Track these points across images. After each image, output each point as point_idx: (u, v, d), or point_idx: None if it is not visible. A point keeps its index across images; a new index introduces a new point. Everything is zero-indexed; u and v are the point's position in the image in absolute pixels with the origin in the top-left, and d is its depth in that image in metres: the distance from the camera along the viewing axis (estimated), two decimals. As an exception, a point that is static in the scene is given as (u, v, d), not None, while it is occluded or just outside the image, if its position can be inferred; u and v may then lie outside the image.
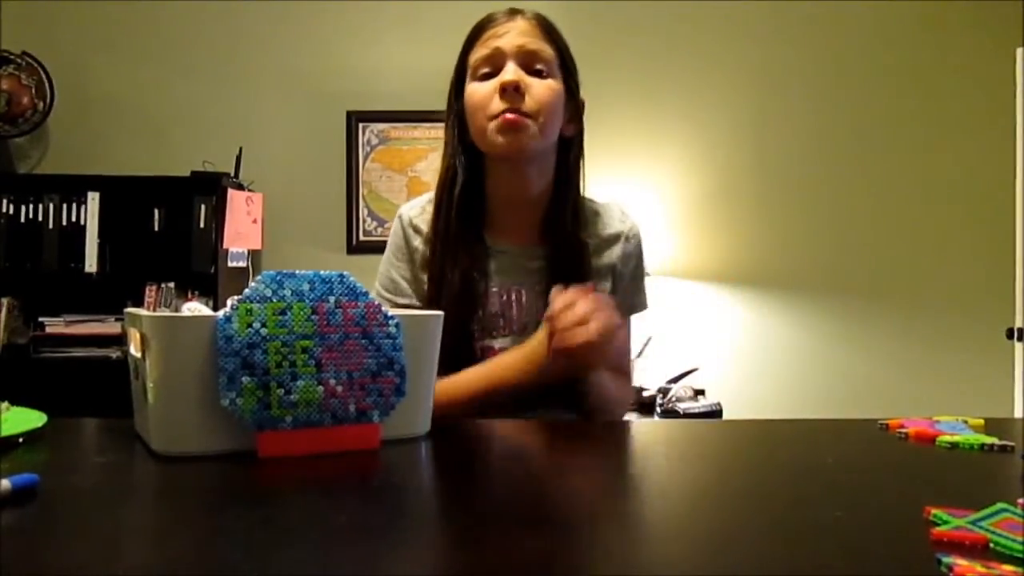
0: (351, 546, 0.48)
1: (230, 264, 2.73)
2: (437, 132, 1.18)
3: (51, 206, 2.66)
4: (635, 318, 1.23)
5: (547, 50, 1.07)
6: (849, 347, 2.97)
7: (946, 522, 0.50)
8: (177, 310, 0.96)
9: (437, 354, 0.83)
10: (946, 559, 0.44)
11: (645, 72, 3.01)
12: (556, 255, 1.11)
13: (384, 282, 1.14)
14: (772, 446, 0.84)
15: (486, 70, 1.06)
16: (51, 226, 2.66)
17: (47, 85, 2.82)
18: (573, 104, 1.12)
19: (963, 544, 0.47)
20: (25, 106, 2.81)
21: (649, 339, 2.55)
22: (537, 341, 1.00)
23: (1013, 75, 2.64)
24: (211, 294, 2.64)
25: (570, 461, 0.82)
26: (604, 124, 2.90)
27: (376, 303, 0.77)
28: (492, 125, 1.04)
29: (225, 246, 2.68)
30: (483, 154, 1.11)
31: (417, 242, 1.13)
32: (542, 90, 1.05)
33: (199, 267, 2.67)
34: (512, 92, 1.03)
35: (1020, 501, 0.54)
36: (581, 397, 1.10)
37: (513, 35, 1.06)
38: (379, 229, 2.97)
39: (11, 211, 2.65)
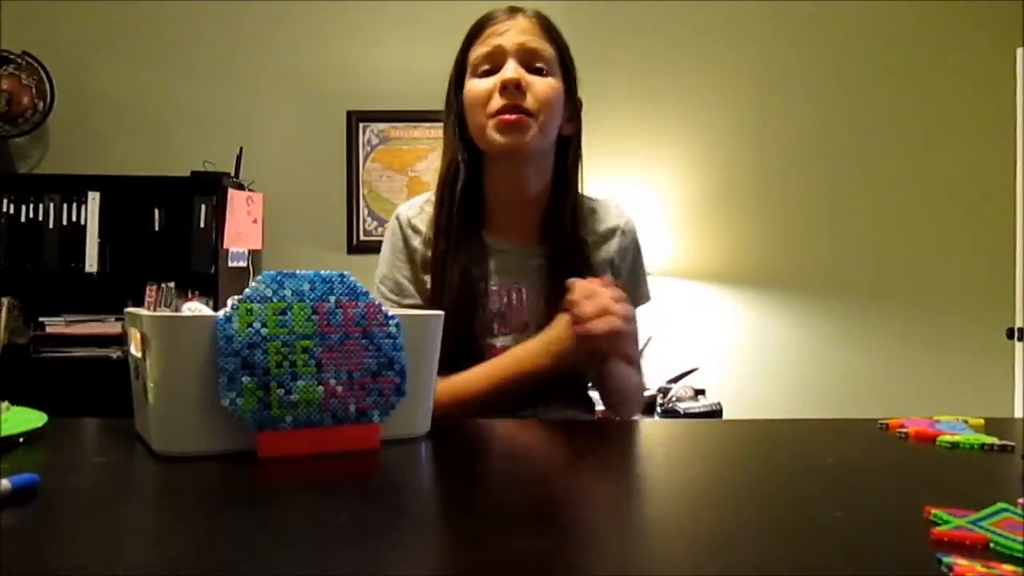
0: (351, 546, 0.48)
1: (230, 264, 2.73)
2: (437, 132, 1.17)
3: (51, 206, 2.66)
4: (638, 311, 1.23)
5: (547, 49, 1.07)
6: (849, 347, 2.97)
7: (946, 522, 0.50)
8: (177, 310, 0.96)
9: (437, 354, 0.83)
10: (946, 559, 0.44)
11: (645, 72, 3.01)
12: (555, 254, 1.12)
13: (389, 284, 1.14)
14: (772, 446, 0.84)
15: (486, 67, 1.07)
16: (51, 226, 2.66)
17: (47, 85, 2.82)
18: (571, 103, 1.12)
19: (963, 544, 0.47)
20: (25, 106, 2.81)
21: (649, 339, 2.55)
22: (558, 329, 1.00)
23: (1013, 75, 2.64)
24: (211, 294, 2.64)
25: (570, 461, 0.82)
26: (604, 124, 2.91)
27: (376, 303, 0.77)
28: (492, 123, 1.04)
29: (225, 246, 2.68)
30: (482, 153, 1.11)
31: (416, 242, 1.13)
32: (543, 88, 1.05)
33: (199, 267, 2.67)
34: (513, 89, 1.03)
35: (1020, 501, 0.54)
36: (602, 389, 1.13)
37: (514, 33, 1.06)
38: (379, 229, 2.97)
39: (11, 211, 2.65)
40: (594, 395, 1.20)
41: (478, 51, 1.07)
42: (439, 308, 0.87)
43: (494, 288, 1.11)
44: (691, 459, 0.78)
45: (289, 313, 0.73)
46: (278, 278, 0.74)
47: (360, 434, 0.74)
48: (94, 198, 2.66)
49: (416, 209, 1.16)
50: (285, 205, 2.95)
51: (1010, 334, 2.60)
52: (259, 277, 0.74)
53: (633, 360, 1.13)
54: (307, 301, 0.74)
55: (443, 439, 0.82)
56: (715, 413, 2.52)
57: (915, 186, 2.98)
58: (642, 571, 0.46)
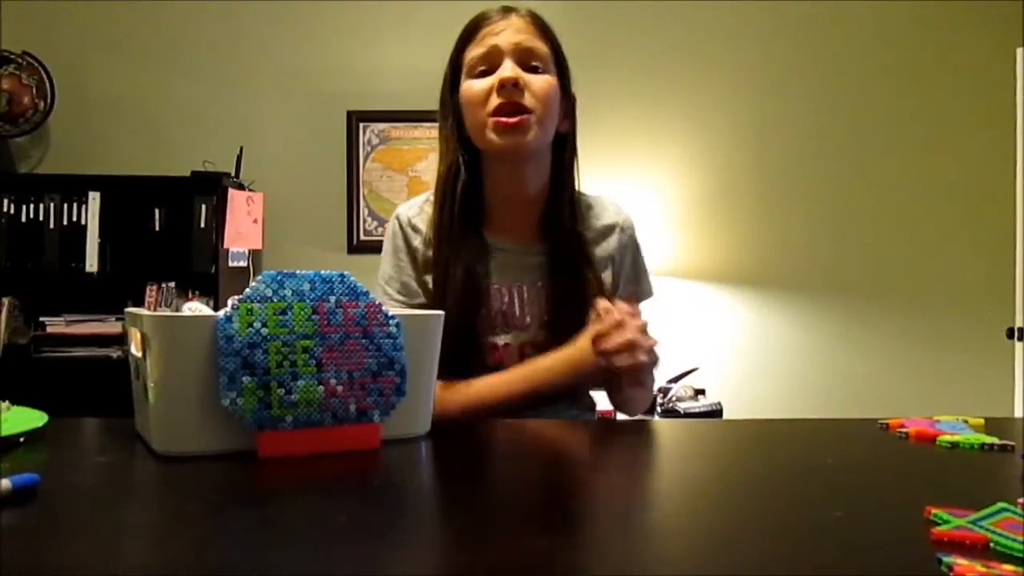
0: (351, 546, 0.48)
1: (231, 264, 2.73)
2: (437, 132, 1.17)
3: (52, 206, 2.66)
4: (642, 306, 1.23)
5: (542, 47, 1.08)
6: (849, 347, 2.97)
7: (946, 522, 0.50)
8: (178, 310, 0.96)
9: (438, 354, 0.83)
10: (946, 559, 0.44)
11: (645, 72, 3.01)
12: (556, 251, 1.12)
13: (395, 286, 1.14)
14: (772, 446, 0.84)
15: (483, 68, 1.07)
16: (52, 226, 2.66)
17: (48, 85, 2.82)
18: (566, 100, 1.12)
19: (963, 544, 0.47)
20: (26, 106, 2.81)
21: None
22: (583, 351, 1.00)
23: (1013, 75, 2.64)
24: (212, 294, 2.64)
25: (570, 461, 0.82)
26: (604, 124, 2.91)
27: (377, 302, 0.77)
28: (491, 124, 1.04)
29: (226, 246, 2.68)
30: (480, 152, 1.11)
31: (417, 242, 1.13)
32: (540, 85, 1.06)
33: (200, 267, 2.67)
34: (511, 88, 1.03)
35: (1020, 501, 0.54)
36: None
37: (509, 32, 1.06)
38: (380, 229, 2.97)
39: (12, 211, 2.65)
40: (594, 394, 1.21)
41: (474, 52, 1.07)
42: (441, 308, 0.88)
43: (495, 287, 1.11)
44: (691, 459, 0.78)
45: (289, 313, 0.73)
46: (278, 278, 0.74)
47: (360, 434, 0.74)
48: (94, 198, 2.66)
49: (416, 209, 1.16)
50: (285, 205, 2.95)
51: (1010, 334, 2.60)
52: (259, 277, 0.74)
53: (651, 388, 1.14)
54: (307, 301, 0.74)
55: (443, 439, 0.82)
56: (715, 413, 2.52)
57: (915, 186, 2.98)
58: (642, 571, 0.46)
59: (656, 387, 2.55)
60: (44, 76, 2.82)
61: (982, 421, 0.87)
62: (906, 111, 2.98)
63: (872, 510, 0.57)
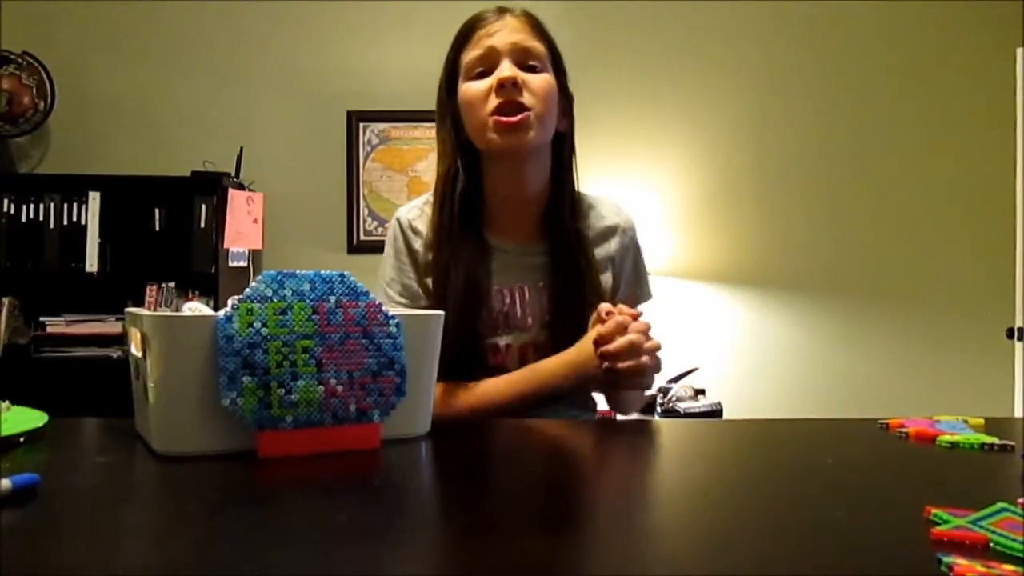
0: (351, 546, 0.48)
1: (231, 264, 2.73)
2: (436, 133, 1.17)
3: (52, 206, 2.66)
4: (641, 308, 1.24)
5: (539, 46, 1.08)
6: (849, 347, 2.97)
7: (946, 522, 0.50)
8: (178, 310, 0.96)
9: (438, 354, 0.83)
10: (946, 559, 0.44)
11: (645, 72, 3.01)
12: (556, 251, 1.12)
13: (397, 288, 1.14)
14: (772, 446, 0.84)
15: (480, 69, 1.07)
16: (52, 226, 2.66)
17: (48, 85, 2.82)
18: (564, 98, 1.12)
19: (963, 544, 0.47)
20: (26, 106, 2.81)
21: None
22: (586, 355, 1.00)
23: (1013, 75, 2.64)
24: (212, 294, 2.64)
25: (570, 461, 0.82)
26: (604, 124, 2.91)
27: (377, 302, 0.77)
28: (492, 124, 1.04)
29: (226, 246, 2.68)
30: (480, 153, 1.11)
31: (418, 244, 1.13)
32: (539, 84, 1.06)
33: (200, 267, 2.67)
34: (510, 87, 1.03)
35: (1020, 501, 0.54)
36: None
37: (505, 33, 1.06)
38: (380, 229, 2.97)
39: (12, 211, 2.65)
40: (594, 395, 1.21)
41: (471, 54, 1.07)
42: (444, 309, 0.88)
43: (496, 288, 1.11)
44: (691, 459, 0.78)
45: (289, 313, 0.73)
46: (278, 278, 0.74)
47: (360, 434, 0.74)
48: (94, 198, 2.66)
49: (416, 211, 1.16)
50: (285, 205, 2.95)
51: (1010, 334, 2.60)
52: (259, 277, 0.74)
53: (649, 387, 1.14)
54: (307, 301, 0.74)
55: (443, 439, 0.82)
56: (715, 413, 2.52)
57: (915, 186, 2.98)
58: (642, 571, 0.46)
59: (656, 387, 2.57)
60: (44, 76, 2.82)
61: (982, 421, 0.87)
62: (906, 111, 2.98)
63: (872, 510, 0.57)
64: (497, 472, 0.75)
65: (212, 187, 2.68)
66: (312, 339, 0.73)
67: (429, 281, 1.11)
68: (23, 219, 2.65)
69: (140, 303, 2.61)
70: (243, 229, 2.74)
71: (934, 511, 0.52)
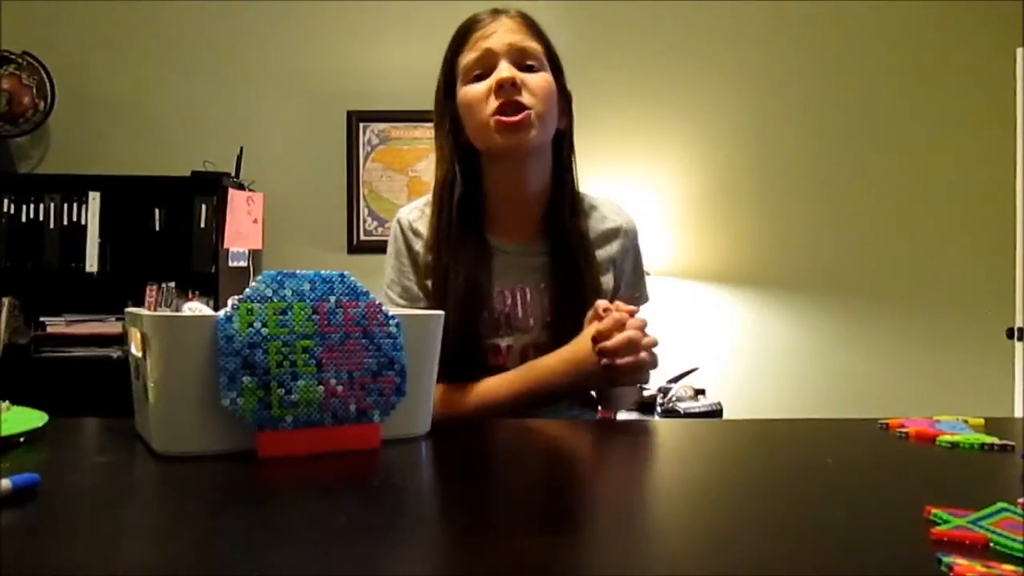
0: (351, 546, 0.48)
1: (231, 264, 2.73)
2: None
3: (52, 206, 2.66)
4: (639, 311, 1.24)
5: (535, 45, 1.08)
6: (849, 347, 2.97)
7: (946, 522, 0.50)
8: (178, 310, 0.96)
9: (438, 354, 0.83)
10: (946, 559, 0.44)
11: (645, 72, 3.01)
12: (557, 251, 1.12)
13: (397, 290, 1.14)
14: (772, 446, 0.84)
15: (478, 72, 1.07)
16: (52, 226, 2.66)
17: (48, 85, 2.82)
18: (563, 97, 1.12)
19: (963, 544, 0.47)
20: (26, 106, 2.81)
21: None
22: (584, 352, 1.00)
23: (1013, 75, 2.64)
24: (212, 294, 2.64)
25: (570, 461, 0.82)
26: (604, 124, 2.91)
27: (377, 302, 0.77)
28: (493, 125, 1.04)
29: (226, 246, 2.68)
30: (480, 155, 1.11)
31: (419, 246, 1.13)
32: (538, 83, 1.06)
33: (200, 267, 2.67)
34: (509, 88, 1.03)
35: (1020, 501, 0.54)
36: (602, 394, 1.14)
37: (501, 34, 1.06)
38: (380, 229, 2.98)
39: (12, 211, 2.65)
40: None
41: (468, 57, 1.07)
42: (444, 311, 0.88)
43: (498, 290, 1.11)
44: (691, 459, 0.78)
45: (289, 313, 0.73)
46: (278, 278, 0.74)
47: (360, 434, 0.74)
48: (94, 198, 2.66)
49: (417, 212, 1.16)
50: (285, 205, 2.95)
51: (1010, 334, 2.60)
52: (259, 277, 0.74)
53: (645, 383, 1.14)
54: (307, 301, 0.74)
55: (443, 439, 0.82)
56: (715, 413, 2.52)
57: (915, 186, 2.98)
58: (642, 571, 0.46)
59: (656, 387, 2.57)
60: (44, 76, 2.82)
61: (982, 421, 0.87)
62: (906, 111, 2.98)
63: (872, 510, 0.57)
64: (497, 472, 0.75)
65: (212, 187, 2.68)
66: (312, 339, 0.73)
67: (430, 282, 1.12)
68: (23, 219, 2.65)
69: (140, 303, 2.61)
70: (243, 229, 2.74)
71: (934, 511, 0.52)
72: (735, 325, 2.98)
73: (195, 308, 0.88)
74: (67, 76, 2.88)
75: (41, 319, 2.67)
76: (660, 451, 0.83)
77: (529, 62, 1.07)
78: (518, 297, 1.11)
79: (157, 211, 2.69)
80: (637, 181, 2.94)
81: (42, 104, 2.82)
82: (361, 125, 2.99)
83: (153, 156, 2.90)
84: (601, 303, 1.00)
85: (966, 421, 0.86)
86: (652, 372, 1.01)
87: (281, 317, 0.72)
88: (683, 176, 3.00)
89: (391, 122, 2.99)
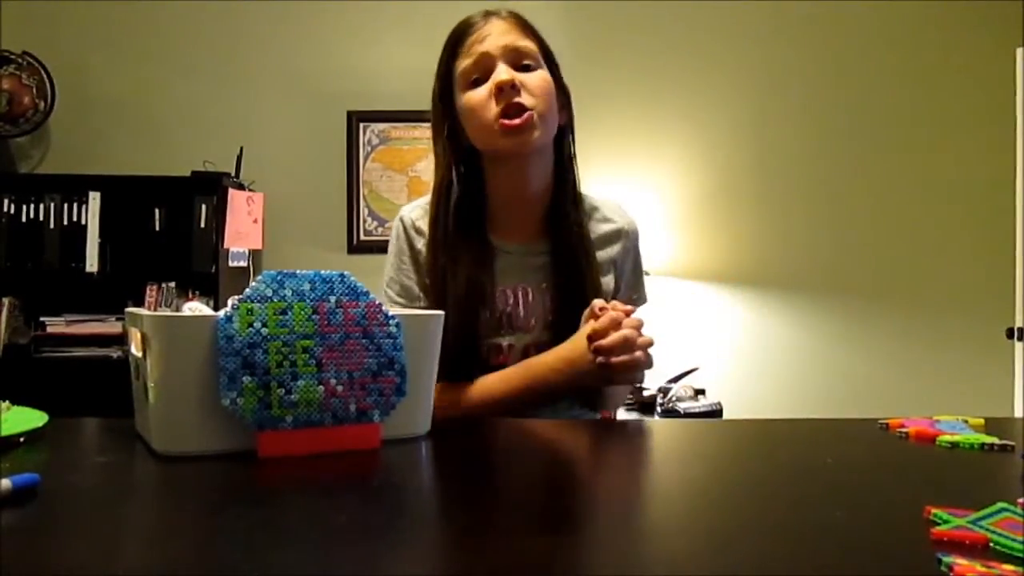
0: (351, 546, 0.48)
1: (231, 264, 2.73)
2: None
3: (52, 206, 2.66)
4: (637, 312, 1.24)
5: (530, 45, 1.08)
6: (849, 347, 2.97)
7: (946, 522, 0.50)
8: (178, 310, 0.96)
9: (438, 354, 0.83)
10: (946, 559, 0.44)
11: (645, 72, 3.01)
12: (559, 251, 1.12)
13: (396, 289, 1.14)
14: (772, 446, 0.84)
15: (476, 76, 1.07)
16: (52, 226, 2.66)
17: (48, 85, 2.83)
18: (562, 93, 1.12)
19: (963, 544, 0.47)
20: (26, 106, 2.81)
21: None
22: (579, 351, 1.00)
23: (1013, 75, 2.64)
24: (212, 294, 2.64)
25: (570, 461, 0.82)
26: (604, 124, 2.91)
27: (377, 302, 0.77)
28: (497, 129, 1.04)
29: (226, 246, 2.68)
30: (481, 157, 1.11)
31: (420, 244, 1.13)
32: (537, 82, 1.06)
33: (200, 267, 2.67)
34: (509, 90, 1.03)
35: (1020, 501, 0.54)
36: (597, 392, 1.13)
37: (495, 36, 1.06)
38: (380, 229, 2.98)
39: (12, 211, 2.65)
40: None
41: (464, 63, 1.07)
42: (445, 311, 0.88)
43: (500, 290, 1.11)
44: (691, 459, 0.78)
45: (289, 313, 0.73)
46: (278, 278, 0.74)
47: (360, 434, 0.74)
48: (95, 198, 2.67)
49: (420, 211, 1.16)
50: (285, 205, 2.95)
51: (1010, 334, 2.60)
52: (259, 277, 0.74)
53: (641, 382, 1.14)
54: (307, 301, 0.74)
55: (443, 439, 0.82)
56: (715, 413, 2.52)
57: (915, 186, 2.98)
58: (642, 571, 0.46)
59: (656, 387, 2.57)
60: (44, 76, 2.82)
61: (982, 421, 0.86)
62: (906, 111, 2.99)
63: (872, 510, 0.57)
64: (497, 472, 0.75)
65: (212, 187, 2.68)
66: (312, 339, 0.73)
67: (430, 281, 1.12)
68: (23, 219, 2.65)
69: (140, 303, 2.61)
70: (243, 229, 2.74)
71: (934, 511, 0.52)
72: (735, 325, 2.98)
73: (195, 308, 0.88)
74: (67, 76, 2.88)
75: (41, 319, 2.67)
76: (660, 451, 0.83)
77: (525, 61, 1.07)
78: (520, 297, 1.11)
79: (157, 211, 2.69)
80: (637, 181, 2.94)
81: (42, 104, 2.82)
82: (361, 125, 3.00)
83: (153, 156, 2.90)
84: (598, 302, 1.00)
85: (966, 421, 0.86)
86: (647, 371, 1.01)
87: (281, 317, 0.72)
88: (683, 176, 3.00)
89: (391, 122, 2.99)
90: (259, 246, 2.83)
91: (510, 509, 0.60)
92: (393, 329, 0.77)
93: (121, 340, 2.64)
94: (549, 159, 1.13)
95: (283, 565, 0.45)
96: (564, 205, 1.13)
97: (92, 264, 2.64)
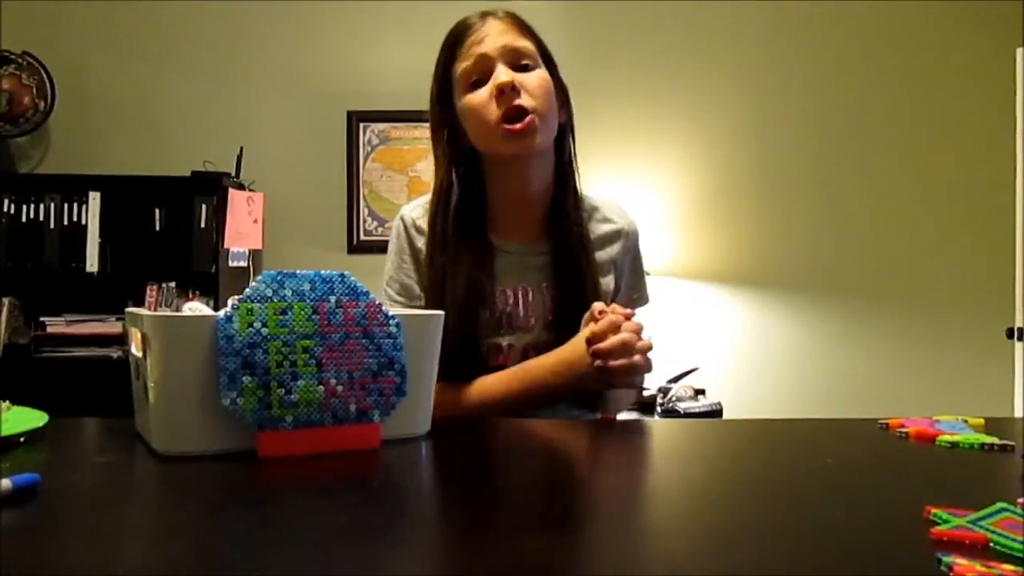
0: (351, 546, 0.48)
1: (231, 264, 2.73)
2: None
3: (52, 206, 2.66)
4: (638, 312, 1.24)
5: (527, 44, 1.08)
6: (849, 347, 2.97)
7: (946, 521, 0.50)
8: (178, 310, 0.96)
9: (438, 354, 0.83)
10: (946, 559, 0.44)
11: (645, 72, 3.01)
12: (559, 251, 1.12)
13: (395, 287, 1.14)
14: (772, 446, 0.84)
15: (475, 78, 1.06)
16: (52, 226, 2.66)
17: (48, 85, 2.83)
18: (560, 91, 1.12)
19: (963, 543, 0.47)
20: (26, 106, 2.81)
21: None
22: (578, 353, 1.00)
23: (1013, 75, 2.64)
24: (212, 294, 2.64)
25: (570, 461, 0.82)
26: (604, 124, 2.91)
27: (377, 303, 0.77)
28: (500, 133, 1.04)
29: (226, 246, 2.68)
30: (481, 157, 1.11)
31: (421, 243, 1.13)
32: (536, 82, 1.06)
33: (200, 267, 2.67)
34: (510, 92, 1.03)
35: (1020, 501, 0.54)
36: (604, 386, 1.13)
37: (493, 37, 1.06)
38: (380, 229, 2.98)
39: (12, 211, 2.65)
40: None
41: (462, 65, 1.07)
42: (444, 311, 0.87)
43: (500, 289, 1.11)
44: (691, 459, 0.78)
45: (289, 313, 0.73)
46: (278, 278, 0.74)
47: (360, 434, 0.74)
48: (95, 198, 2.67)
49: (420, 210, 1.16)
50: (285, 205, 2.95)
51: (1010, 334, 2.60)
52: (259, 277, 0.74)
53: (640, 386, 1.14)
54: (307, 301, 0.74)
55: (443, 439, 0.82)
56: (715, 413, 2.52)
57: (915, 186, 2.98)
58: (642, 571, 0.46)
59: (656, 387, 2.57)
60: (44, 76, 2.82)
61: (982, 421, 0.86)
62: (906, 111, 2.99)
63: (872, 510, 0.57)
64: (497, 472, 0.75)
65: (212, 187, 2.68)
66: (312, 339, 0.73)
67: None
68: (23, 219, 2.65)
69: (140, 303, 2.61)
70: (243, 229, 2.74)
71: (934, 511, 0.52)
72: (735, 325, 2.98)
73: (195, 308, 0.88)
74: (67, 76, 2.88)
75: (41, 319, 2.67)
76: (660, 451, 0.83)
77: (524, 61, 1.07)
78: (520, 296, 1.11)
79: (157, 211, 2.69)
80: (637, 181, 2.94)
81: (42, 104, 2.82)
82: (361, 125, 3.00)
83: (153, 156, 2.90)
84: (598, 305, 1.00)
85: (966, 421, 0.86)
86: (647, 376, 1.01)
87: (281, 317, 0.72)
88: (683, 176, 3.00)
89: (391, 122, 2.99)
90: (259, 246, 2.83)
91: (510, 509, 0.60)
92: (393, 329, 0.77)
93: (121, 340, 2.64)
94: (550, 160, 1.13)
95: (283, 565, 0.45)
96: (565, 205, 1.13)
97: (92, 264, 2.64)
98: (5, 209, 2.65)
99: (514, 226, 1.14)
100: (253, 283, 0.73)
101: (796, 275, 2.99)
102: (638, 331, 0.97)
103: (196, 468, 0.67)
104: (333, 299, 0.75)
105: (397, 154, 3.00)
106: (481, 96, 1.05)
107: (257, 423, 0.70)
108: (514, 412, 1.03)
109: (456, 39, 1.09)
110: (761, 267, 2.99)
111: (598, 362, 0.96)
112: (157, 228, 2.69)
